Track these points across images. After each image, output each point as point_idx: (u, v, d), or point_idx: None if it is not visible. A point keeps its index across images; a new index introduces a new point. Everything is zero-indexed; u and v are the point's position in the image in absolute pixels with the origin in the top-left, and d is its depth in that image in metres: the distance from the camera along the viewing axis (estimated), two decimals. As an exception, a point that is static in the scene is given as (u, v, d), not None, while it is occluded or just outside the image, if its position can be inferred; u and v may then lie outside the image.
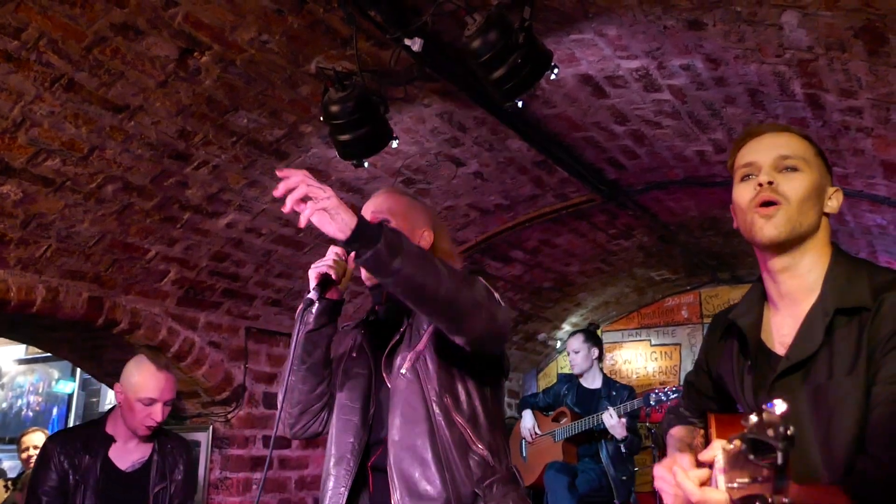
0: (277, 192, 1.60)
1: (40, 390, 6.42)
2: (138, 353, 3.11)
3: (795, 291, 1.47)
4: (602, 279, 5.88)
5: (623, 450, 4.71)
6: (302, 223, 1.59)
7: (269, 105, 2.85)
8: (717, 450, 1.09)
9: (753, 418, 0.96)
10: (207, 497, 3.79)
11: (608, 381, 5.21)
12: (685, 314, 6.53)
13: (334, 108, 2.60)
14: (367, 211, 2.07)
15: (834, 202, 1.50)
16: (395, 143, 2.81)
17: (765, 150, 1.49)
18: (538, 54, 2.31)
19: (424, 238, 2.06)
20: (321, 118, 2.68)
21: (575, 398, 5.14)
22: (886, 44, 2.32)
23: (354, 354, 2.05)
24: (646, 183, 4.18)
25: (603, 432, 4.77)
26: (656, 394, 4.63)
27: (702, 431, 1.81)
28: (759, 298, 1.57)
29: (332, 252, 1.91)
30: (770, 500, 0.94)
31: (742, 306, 1.60)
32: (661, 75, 2.92)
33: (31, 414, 6.40)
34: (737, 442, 0.99)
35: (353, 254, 1.88)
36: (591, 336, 5.25)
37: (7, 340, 5.56)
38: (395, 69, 2.63)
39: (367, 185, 3.57)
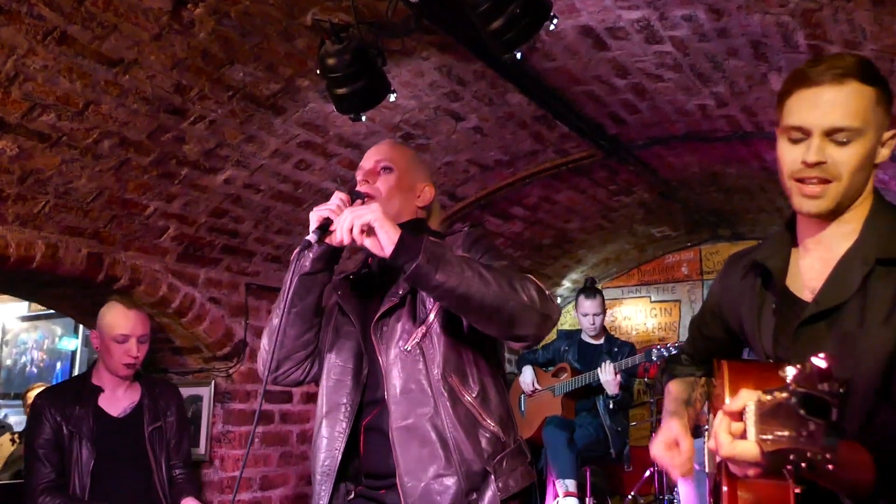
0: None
1: (44, 347, 6.48)
2: (110, 300, 3.23)
3: (831, 238, 1.38)
4: (602, 236, 5.88)
5: (611, 406, 4.77)
6: (358, 242, 1.66)
7: (264, 58, 2.82)
8: (747, 400, 1.05)
9: (791, 370, 0.92)
10: (210, 450, 3.84)
11: (610, 337, 5.26)
12: (685, 271, 6.54)
13: (331, 61, 2.56)
14: (371, 159, 2.02)
15: (886, 150, 1.36)
16: (392, 97, 2.78)
17: (820, 115, 1.30)
18: (537, 4, 2.28)
19: (425, 193, 2.04)
20: (318, 72, 2.65)
21: (576, 354, 5.19)
22: (892, -7, 2.28)
23: (345, 312, 1.98)
24: (647, 138, 4.14)
25: (600, 387, 4.82)
26: (658, 349, 4.67)
27: (703, 381, 1.78)
28: (788, 240, 1.48)
29: (336, 197, 1.85)
30: (811, 455, 0.89)
31: (768, 247, 1.51)
32: (662, 26, 2.87)
33: (35, 370, 6.46)
34: (777, 394, 0.95)
35: (357, 200, 1.87)
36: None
37: (10, 298, 5.59)
38: (392, 21, 2.59)
39: (366, 141, 3.55)
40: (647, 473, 5.02)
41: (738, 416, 1.08)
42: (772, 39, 2.84)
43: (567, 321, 6.71)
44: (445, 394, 1.77)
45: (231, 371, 3.93)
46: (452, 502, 1.72)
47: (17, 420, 5.95)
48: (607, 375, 4.70)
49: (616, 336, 5.50)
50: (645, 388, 5.89)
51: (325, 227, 1.80)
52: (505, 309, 1.64)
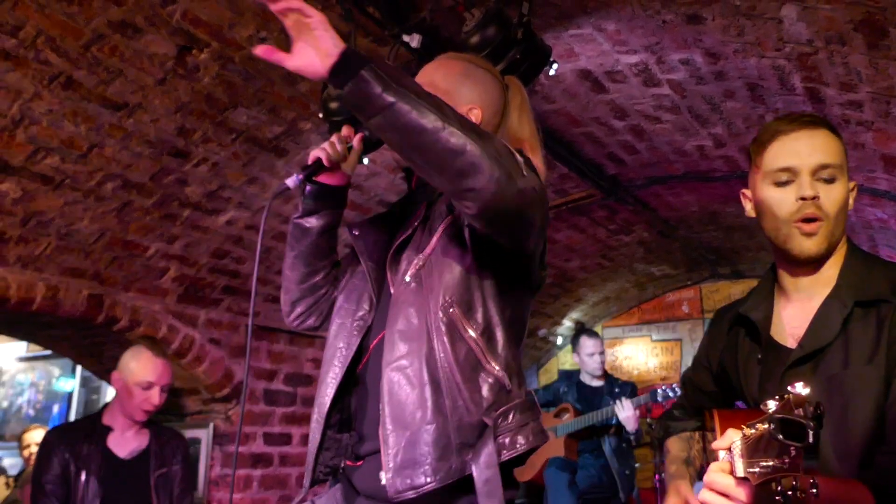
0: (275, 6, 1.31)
1: (41, 388, 6.42)
2: (136, 345, 3.21)
3: (812, 286, 1.44)
4: (602, 275, 5.88)
5: (633, 442, 4.72)
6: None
7: (268, 102, 2.85)
8: (733, 437, 1.07)
9: (773, 403, 0.94)
10: (209, 494, 3.79)
11: (609, 377, 5.22)
12: (686, 309, 6.53)
13: (333, 105, 2.59)
14: None
15: (851, 200, 1.45)
16: (394, 140, 2.80)
17: (805, 155, 1.39)
18: (537, 50, 2.31)
19: (470, 116, 1.63)
20: (320, 115, 2.67)
21: (577, 395, 5.14)
22: (886, 37, 2.31)
23: (364, 250, 1.75)
24: (645, 178, 4.17)
25: (605, 427, 4.77)
26: (664, 390, 4.63)
27: (698, 436, 1.81)
28: (770, 291, 1.53)
29: (335, 135, 1.67)
30: (795, 480, 0.91)
31: (752, 300, 1.56)
32: (660, 70, 2.91)
33: (31, 412, 6.40)
34: (759, 426, 0.97)
35: (359, 134, 1.69)
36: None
37: (7, 338, 5.56)
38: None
39: (367, 182, 3.57)
40: (652, 516, 4.95)
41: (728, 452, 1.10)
42: (768, 82, 2.87)
43: (567, 361, 6.68)
44: (444, 328, 1.49)
45: (230, 413, 3.90)
46: (440, 457, 1.42)
47: (12, 463, 5.87)
48: (626, 412, 4.62)
49: (616, 376, 5.46)
50: (648, 427, 5.84)
51: (316, 167, 1.63)
52: (462, 153, 1.30)
